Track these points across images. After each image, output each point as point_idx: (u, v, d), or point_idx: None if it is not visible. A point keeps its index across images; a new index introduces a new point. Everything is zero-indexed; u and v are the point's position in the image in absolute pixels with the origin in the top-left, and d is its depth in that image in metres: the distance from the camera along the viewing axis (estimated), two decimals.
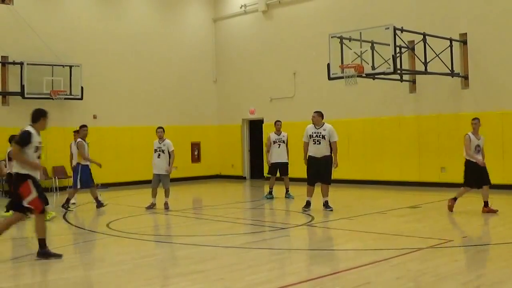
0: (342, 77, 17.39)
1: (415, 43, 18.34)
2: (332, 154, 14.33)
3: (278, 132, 17.66)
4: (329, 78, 17.88)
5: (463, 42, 18.99)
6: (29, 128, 9.44)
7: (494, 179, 18.09)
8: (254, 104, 25.12)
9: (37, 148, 9.39)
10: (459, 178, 18.58)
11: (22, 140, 9.32)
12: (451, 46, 18.46)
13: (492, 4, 18.56)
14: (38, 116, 9.63)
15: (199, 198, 20.62)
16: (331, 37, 17.63)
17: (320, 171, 14.38)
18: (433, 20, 19.29)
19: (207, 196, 20.70)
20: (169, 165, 15.85)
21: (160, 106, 24.74)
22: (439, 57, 18.15)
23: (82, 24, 22.90)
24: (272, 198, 17.32)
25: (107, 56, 23.44)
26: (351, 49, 17.32)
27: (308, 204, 14.47)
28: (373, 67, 17.05)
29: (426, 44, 17.85)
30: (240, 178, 25.57)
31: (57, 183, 21.51)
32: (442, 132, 19.33)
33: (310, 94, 22.88)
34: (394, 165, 20.44)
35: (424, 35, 17.85)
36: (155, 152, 15.84)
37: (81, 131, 16.29)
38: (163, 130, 16.08)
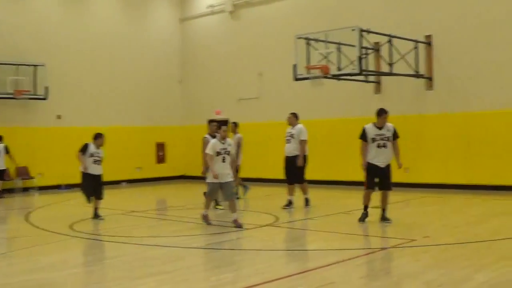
0: (308, 78, 17.46)
1: (380, 44, 18.49)
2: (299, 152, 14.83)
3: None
4: (295, 79, 17.93)
5: (428, 44, 19.18)
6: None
7: (457, 179, 18.46)
8: (220, 105, 25.06)
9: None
10: (422, 178, 18.89)
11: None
12: (416, 48, 18.65)
13: (457, 7, 18.77)
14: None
15: (164, 199, 20.52)
16: (297, 38, 17.69)
17: (292, 170, 14.81)
18: (399, 22, 19.44)
19: (171, 197, 20.61)
20: (231, 170, 12.65)
21: (125, 106, 24.56)
22: (404, 58, 18.32)
23: (47, 24, 22.62)
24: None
25: (72, 55, 23.17)
26: (317, 50, 17.39)
27: (289, 202, 14.97)
28: (339, 68, 17.14)
29: (392, 46, 17.99)
30: (205, 179, 25.45)
31: (21, 184, 21.23)
32: (406, 132, 19.40)
33: (276, 94, 22.92)
34: (359, 165, 20.49)
35: (390, 36, 17.99)
36: (218, 155, 12.28)
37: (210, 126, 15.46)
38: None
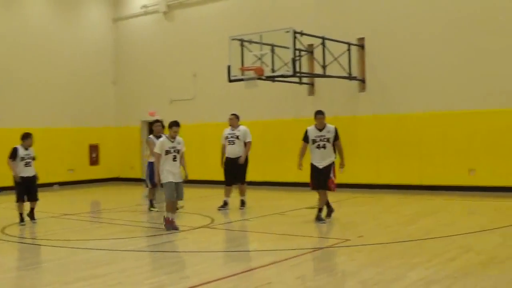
0: (242, 80, 17.46)
1: (314, 46, 18.66)
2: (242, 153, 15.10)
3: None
4: (229, 81, 17.91)
5: (361, 46, 19.46)
6: None
7: (389, 179, 18.81)
8: (155, 106, 24.79)
9: None
10: (354, 178, 19.14)
11: None
12: (349, 50, 18.89)
13: (389, 10, 19.08)
14: None
15: (97, 201, 20.22)
16: (232, 40, 17.69)
17: (235, 171, 14.79)
18: (332, 25, 19.65)
19: (105, 200, 20.33)
20: (185, 169, 12.31)
21: (57, 107, 23.97)
22: (337, 60, 18.52)
23: None
24: None
25: (1, 55, 22.52)
26: (251, 52, 17.43)
27: (225, 203, 14.97)
28: (273, 70, 17.20)
29: (325, 48, 18.18)
30: (140, 180, 25.22)
31: None
32: (340, 133, 19.70)
33: (211, 96, 22.87)
34: (293, 166, 20.64)
35: (323, 38, 18.17)
36: (167, 154, 11.92)
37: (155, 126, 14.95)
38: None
